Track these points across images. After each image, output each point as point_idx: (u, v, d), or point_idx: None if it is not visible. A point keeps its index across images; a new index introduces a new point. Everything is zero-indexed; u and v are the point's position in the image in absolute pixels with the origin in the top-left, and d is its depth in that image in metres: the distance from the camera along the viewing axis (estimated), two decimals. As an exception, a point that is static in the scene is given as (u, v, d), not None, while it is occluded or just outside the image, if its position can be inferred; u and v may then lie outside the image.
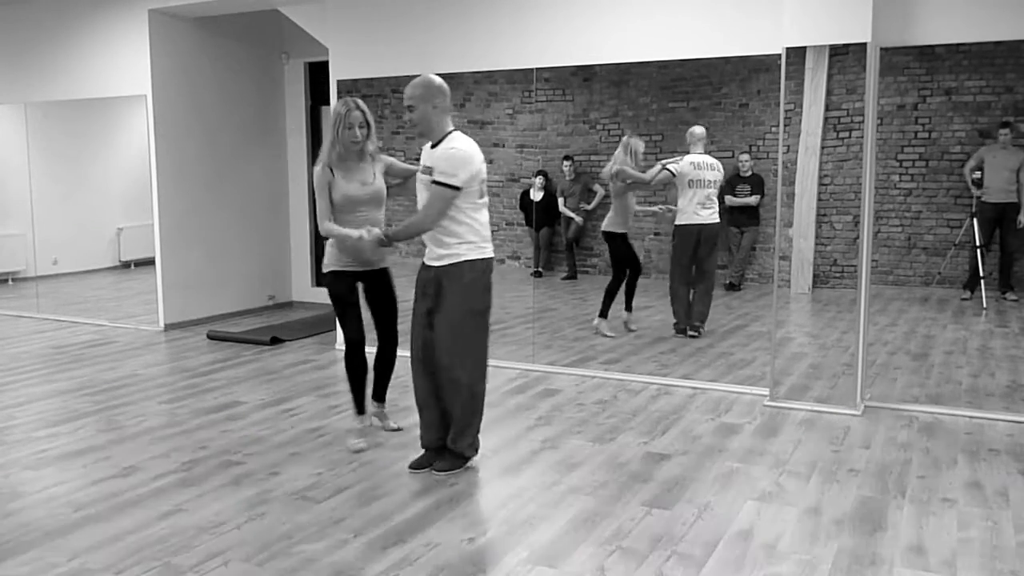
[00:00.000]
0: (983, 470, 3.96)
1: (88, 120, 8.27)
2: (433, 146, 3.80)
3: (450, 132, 3.79)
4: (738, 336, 6.53)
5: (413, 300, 4.01)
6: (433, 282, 3.84)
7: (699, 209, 6.32)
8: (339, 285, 4.28)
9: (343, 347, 4.41)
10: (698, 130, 6.38)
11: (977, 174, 6.77)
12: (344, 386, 5.51)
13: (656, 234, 7.15)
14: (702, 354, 6.12)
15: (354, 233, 4.00)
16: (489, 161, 7.78)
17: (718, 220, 6.43)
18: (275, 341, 6.88)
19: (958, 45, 6.20)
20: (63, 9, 7.73)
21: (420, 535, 3.29)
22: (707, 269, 6.49)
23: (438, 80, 3.80)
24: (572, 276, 7.58)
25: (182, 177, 7.57)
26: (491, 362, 6.03)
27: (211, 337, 7.11)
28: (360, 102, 4.14)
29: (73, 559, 3.10)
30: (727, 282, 7.36)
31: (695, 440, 4.39)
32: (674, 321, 6.56)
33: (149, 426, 4.68)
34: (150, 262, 7.59)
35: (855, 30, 4.76)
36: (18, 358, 6.38)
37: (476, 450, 4.04)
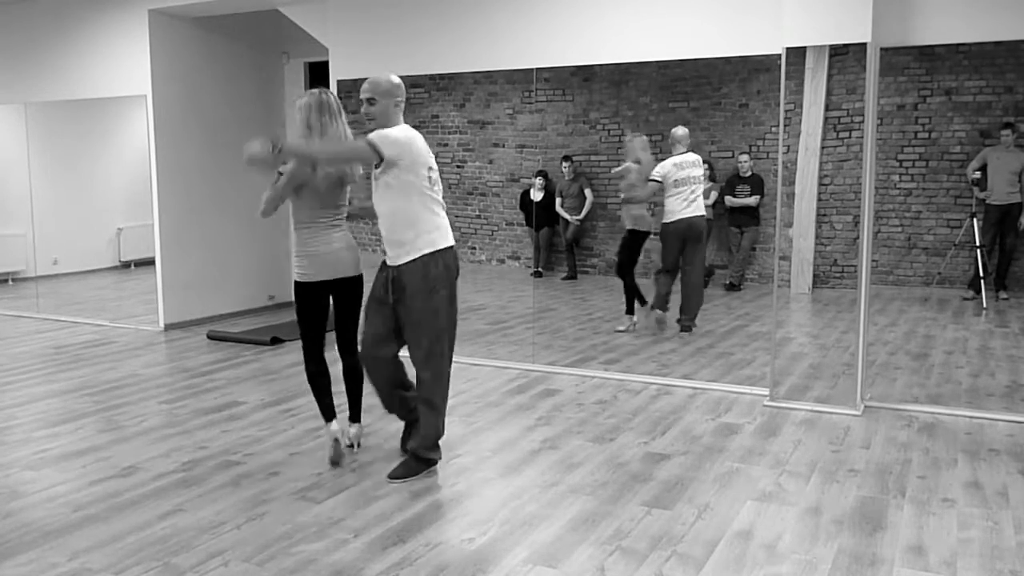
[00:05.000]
0: (983, 470, 3.96)
1: (88, 120, 8.27)
2: None
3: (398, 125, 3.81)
4: (738, 336, 6.53)
5: (368, 298, 4.01)
6: (394, 282, 3.83)
7: (684, 206, 6.43)
8: (303, 298, 4.06)
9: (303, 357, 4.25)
10: (679, 131, 6.51)
11: (977, 174, 6.77)
12: (344, 386, 5.52)
13: (655, 233, 7.14)
14: (702, 354, 6.12)
15: (252, 146, 3.66)
16: (489, 161, 7.79)
17: (703, 214, 6.55)
18: (275, 341, 6.88)
19: (958, 45, 6.20)
20: (63, 9, 7.73)
21: (420, 535, 3.29)
22: (695, 263, 6.59)
23: (398, 79, 3.84)
24: (572, 276, 7.58)
25: (182, 177, 7.57)
26: (492, 362, 6.08)
27: (211, 337, 7.11)
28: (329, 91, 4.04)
29: (73, 559, 3.10)
30: (727, 282, 7.36)
31: (695, 440, 4.39)
32: (650, 303, 6.66)
33: (149, 426, 4.68)
34: (150, 262, 7.58)
35: (855, 30, 4.76)
36: (18, 358, 6.38)
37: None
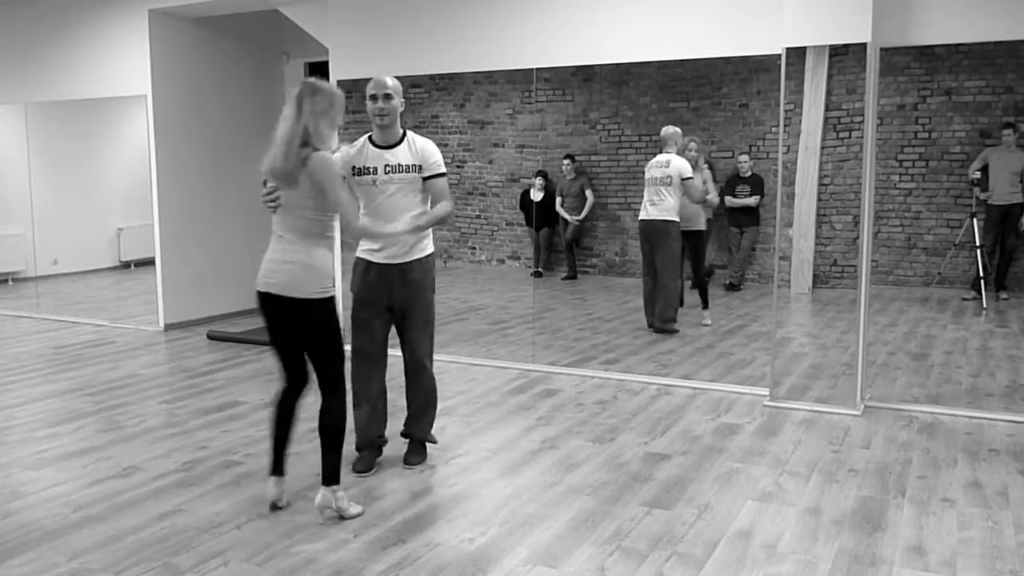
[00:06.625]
0: (983, 470, 3.96)
1: (88, 120, 8.27)
2: (392, 146, 3.84)
3: (405, 130, 3.94)
4: (738, 336, 6.53)
5: (358, 301, 3.91)
6: (398, 279, 3.87)
7: (647, 206, 6.46)
8: (261, 311, 3.37)
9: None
10: (664, 131, 6.48)
11: (978, 175, 6.77)
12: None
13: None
14: (702, 354, 6.12)
15: (397, 226, 3.62)
16: (489, 161, 7.79)
17: (664, 218, 6.42)
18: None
19: (958, 45, 6.20)
20: (63, 9, 7.73)
21: (420, 535, 3.29)
22: (661, 268, 6.47)
23: None
24: (572, 276, 7.58)
25: (182, 177, 7.56)
26: (492, 362, 6.08)
27: (211, 337, 7.11)
28: None
29: (73, 559, 3.10)
30: (727, 282, 7.36)
31: (695, 440, 4.39)
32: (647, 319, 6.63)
33: (149, 426, 4.68)
34: (150, 262, 7.58)
35: (855, 30, 4.76)
36: (18, 358, 6.39)
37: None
